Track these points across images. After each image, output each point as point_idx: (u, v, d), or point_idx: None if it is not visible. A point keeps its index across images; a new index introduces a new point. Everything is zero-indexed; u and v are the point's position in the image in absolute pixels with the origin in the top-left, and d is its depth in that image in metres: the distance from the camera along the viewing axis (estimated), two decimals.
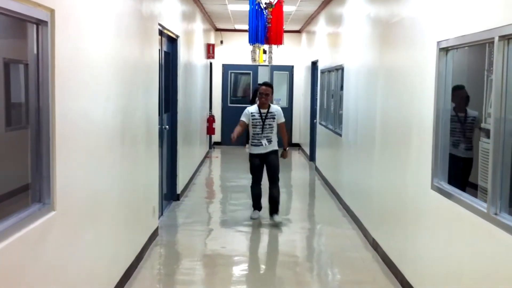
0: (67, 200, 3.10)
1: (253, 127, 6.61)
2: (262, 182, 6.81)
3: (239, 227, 6.56)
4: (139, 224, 5.24)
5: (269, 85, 6.81)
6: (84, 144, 3.44)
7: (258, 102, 6.63)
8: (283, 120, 6.72)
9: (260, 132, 6.57)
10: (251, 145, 6.65)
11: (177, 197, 7.73)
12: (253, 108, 6.69)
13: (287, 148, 6.98)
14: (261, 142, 6.58)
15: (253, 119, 6.59)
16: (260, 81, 15.29)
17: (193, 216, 7.18)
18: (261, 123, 6.55)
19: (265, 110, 6.63)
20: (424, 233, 4.15)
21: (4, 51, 2.96)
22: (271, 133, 6.63)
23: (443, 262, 3.78)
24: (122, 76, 4.40)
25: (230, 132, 6.52)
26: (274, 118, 6.62)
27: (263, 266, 5.23)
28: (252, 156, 6.70)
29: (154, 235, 5.79)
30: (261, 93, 6.61)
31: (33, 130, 2.83)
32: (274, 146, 6.66)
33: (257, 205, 6.88)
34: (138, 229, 5.18)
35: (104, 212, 3.98)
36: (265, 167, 6.66)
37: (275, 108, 6.73)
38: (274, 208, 6.60)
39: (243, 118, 6.63)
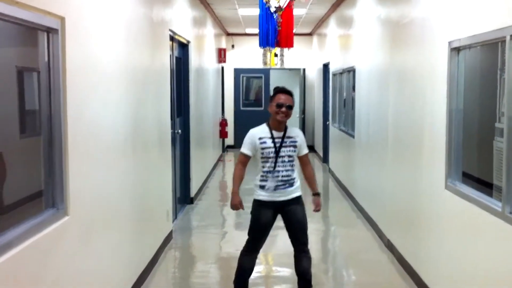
0: (80, 205, 3.12)
1: (262, 160, 4.12)
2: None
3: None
4: (153, 228, 5.26)
5: (290, 93, 4.22)
6: (96, 149, 3.46)
7: (270, 121, 4.19)
8: (306, 151, 4.27)
9: (273, 167, 4.10)
10: (259, 188, 4.16)
11: (190, 201, 7.76)
12: (260, 131, 4.14)
13: (319, 192, 4.41)
14: (275, 185, 4.11)
15: (262, 148, 4.08)
16: (272, 84, 15.34)
17: (207, 219, 7.19)
18: (275, 154, 4.08)
19: (281, 134, 4.14)
20: (439, 234, 4.12)
21: (17, 59, 3.00)
22: (291, 170, 4.15)
23: (459, 262, 3.75)
24: (133, 82, 4.42)
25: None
26: (295, 147, 4.15)
27: (278, 268, 5.22)
28: (258, 205, 4.17)
29: (168, 238, 5.81)
30: (280, 105, 4.10)
31: (45, 137, 2.86)
32: (297, 190, 4.21)
33: (242, 281, 4.31)
34: (152, 233, 5.20)
35: (118, 216, 4.00)
36: (285, 224, 4.27)
37: (296, 131, 4.25)
38: (307, 286, 4.29)
39: (245, 150, 4.12)
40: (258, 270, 5.13)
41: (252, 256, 4.25)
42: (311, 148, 14.23)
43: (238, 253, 4.28)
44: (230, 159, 13.08)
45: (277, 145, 4.08)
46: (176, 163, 6.83)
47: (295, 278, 4.88)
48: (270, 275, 5.19)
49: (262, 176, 4.13)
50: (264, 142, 4.07)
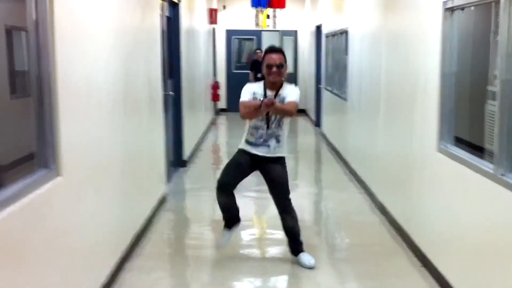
0: (72, 165, 3.11)
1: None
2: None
3: (246, 192, 6.58)
4: (147, 190, 5.28)
5: (280, 51, 4.20)
6: (87, 109, 3.43)
7: (266, 78, 4.20)
8: (291, 99, 4.11)
9: (263, 125, 4.13)
10: (245, 141, 4.23)
11: (184, 164, 7.76)
12: (256, 87, 4.21)
13: (275, 103, 3.96)
14: (261, 142, 4.16)
15: None
16: (264, 47, 15.20)
17: (200, 182, 7.21)
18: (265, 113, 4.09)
19: (273, 93, 4.14)
20: (431, 196, 4.15)
21: (5, 18, 2.94)
22: (280, 129, 4.17)
23: (450, 223, 3.79)
24: (123, 40, 4.36)
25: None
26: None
27: (271, 231, 5.26)
28: (240, 151, 4.28)
29: (162, 201, 5.84)
30: (270, 65, 4.10)
31: (36, 97, 2.82)
32: (281, 150, 4.23)
33: (230, 218, 4.38)
34: (146, 195, 5.21)
35: (110, 178, 3.99)
36: (266, 181, 4.31)
37: (288, 88, 4.17)
38: (295, 244, 4.40)
39: (245, 98, 4.11)
40: (252, 233, 5.18)
41: (225, 194, 4.24)
42: (303, 111, 14.20)
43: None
44: (223, 122, 13.06)
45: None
46: (168, 125, 6.80)
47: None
48: (264, 237, 5.24)
49: (249, 130, 4.20)
50: (256, 98, 4.07)
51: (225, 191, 4.25)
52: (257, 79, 13.06)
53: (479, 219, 3.34)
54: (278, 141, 4.17)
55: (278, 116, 4.12)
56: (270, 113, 4.05)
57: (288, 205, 4.30)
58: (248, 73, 12.96)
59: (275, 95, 4.09)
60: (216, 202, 4.33)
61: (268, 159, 4.19)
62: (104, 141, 3.80)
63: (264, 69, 4.13)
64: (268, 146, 4.16)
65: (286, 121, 4.19)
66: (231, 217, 4.38)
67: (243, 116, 4.11)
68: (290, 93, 4.13)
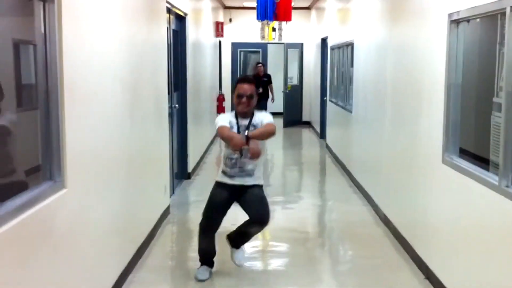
0: (78, 178, 3.12)
1: (225, 145, 4.12)
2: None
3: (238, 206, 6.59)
4: (151, 202, 5.28)
5: (252, 81, 4.19)
6: (93, 122, 3.45)
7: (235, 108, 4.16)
8: (269, 120, 4.09)
9: (237, 155, 4.06)
10: (221, 171, 4.20)
11: (188, 176, 7.77)
12: (229, 116, 4.15)
13: (251, 135, 3.95)
14: (236, 171, 4.12)
15: None
16: (270, 59, 15.20)
17: (204, 194, 7.10)
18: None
19: (247, 121, 4.10)
20: (436, 208, 4.14)
21: (13, 32, 2.96)
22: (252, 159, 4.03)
23: (455, 236, 3.78)
24: (130, 54, 4.39)
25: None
26: None
27: (274, 243, 5.25)
28: (216, 186, 4.25)
29: (165, 213, 5.83)
30: (240, 95, 4.07)
31: (42, 110, 2.84)
32: (257, 180, 4.17)
33: (206, 260, 4.37)
34: (149, 207, 5.22)
35: (115, 190, 4.00)
36: (244, 206, 4.21)
37: (260, 117, 4.12)
38: (239, 239, 4.37)
39: (222, 123, 4.02)
40: (255, 245, 5.16)
41: (209, 235, 4.28)
42: (308, 123, 14.21)
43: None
44: None
45: (242, 132, 4.02)
46: (173, 138, 6.82)
47: (292, 252, 4.93)
48: (266, 249, 5.22)
49: (224, 160, 4.18)
50: (232, 127, 4.05)
51: (208, 235, 4.29)
52: (258, 95, 13.08)
53: (484, 232, 3.33)
54: (252, 169, 4.12)
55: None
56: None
57: (264, 221, 4.14)
58: (267, 85, 13.04)
59: (248, 124, 4.08)
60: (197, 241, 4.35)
61: (244, 187, 4.14)
62: (110, 154, 3.82)
63: (234, 99, 4.12)
64: (243, 175, 4.12)
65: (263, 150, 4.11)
66: (207, 260, 4.37)
67: (223, 138, 4.03)
68: (264, 118, 4.11)
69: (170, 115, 6.41)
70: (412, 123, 4.75)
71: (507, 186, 3.02)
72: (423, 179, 4.44)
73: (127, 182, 4.33)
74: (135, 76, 4.55)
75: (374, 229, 5.59)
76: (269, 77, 13.37)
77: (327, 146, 10.65)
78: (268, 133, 4.03)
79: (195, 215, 6.27)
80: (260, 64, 13.22)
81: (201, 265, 4.36)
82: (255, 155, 3.92)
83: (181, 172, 7.55)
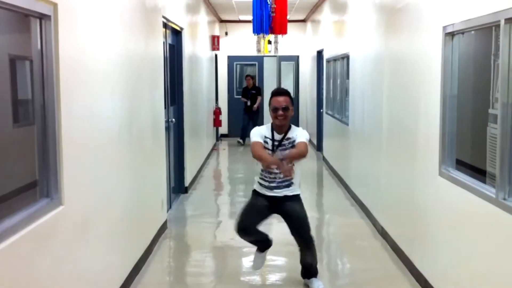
0: (75, 194, 3.11)
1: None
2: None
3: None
4: (148, 217, 5.26)
5: (286, 93, 4.17)
6: (91, 138, 3.44)
7: (272, 121, 4.17)
8: (301, 140, 4.06)
9: (275, 169, 4.05)
10: (258, 183, 4.24)
11: (185, 190, 7.75)
12: (265, 129, 4.15)
13: (288, 160, 3.96)
14: (274, 185, 4.14)
15: (264, 147, 4.06)
16: (266, 72, 15.24)
17: (202, 208, 7.19)
18: (272, 155, 4.05)
19: (281, 136, 4.11)
20: (433, 220, 4.14)
21: (9, 47, 2.97)
22: (292, 171, 4.02)
23: (453, 248, 3.77)
24: (127, 69, 4.40)
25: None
26: (293, 147, 4.06)
27: (272, 257, 5.22)
28: (255, 194, 4.26)
29: (163, 228, 5.81)
30: (276, 108, 4.06)
31: (39, 126, 2.84)
32: (295, 190, 4.22)
33: (260, 245, 4.41)
34: (147, 222, 5.20)
35: (113, 205, 3.99)
36: (286, 221, 4.27)
37: (296, 131, 4.12)
38: (309, 272, 4.40)
39: (256, 139, 4.06)
40: (252, 260, 5.13)
41: (248, 234, 4.26)
42: None
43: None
44: (224, 148, 13.07)
45: (275, 147, 4.07)
46: (170, 152, 6.81)
47: (291, 267, 4.91)
48: (265, 264, 5.19)
49: (260, 174, 4.17)
50: (266, 142, 4.08)
51: (246, 233, 4.26)
52: (247, 107, 13.10)
53: (481, 244, 3.32)
54: (291, 182, 4.14)
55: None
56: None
57: (310, 241, 4.24)
58: (256, 97, 13.14)
59: (283, 138, 4.08)
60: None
61: (284, 198, 4.15)
62: (106, 170, 3.81)
63: (271, 112, 4.11)
64: (281, 187, 4.13)
65: (298, 161, 4.13)
66: (262, 244, 4.37)
67: (255, 157, 4.05)
68: (299, 135, 4.08)
69: (167, 129, 6.41)
70: (408, 135, 4.76)
71: (504, 199, 3.02)
72: (420, 192, 4.44)
73: (124, 197, 4.32)
74: (132, 91, 4.55)
75: (372, 242, 5.58)
76: (258, 89, 13.39)
77: (324, 159, 10.65)
78: (300, 156, 4.01)
79: (193, 230, 6.27)
80: (248, 77, 13.26)
81: (257, 250, 4.38)
82: (287, 173, 3.93)
83: (178, 186, 7.53)
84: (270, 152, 4.04)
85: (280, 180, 4.11)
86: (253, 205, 4.23)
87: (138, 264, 4.64)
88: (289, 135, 4.09)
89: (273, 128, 4.12)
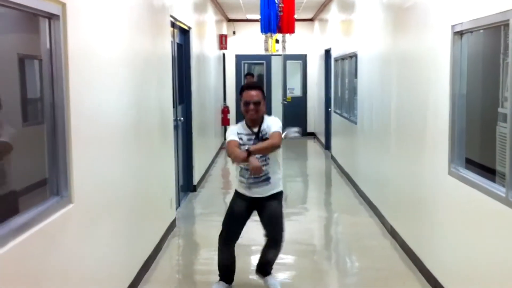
0: (84, 192, 3.13)
1: None
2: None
3: (256, 217, 6.53)
4: (157, 216, 5.28)
5: (258, 87, 4.13)
6: (99, 137, 3.46)
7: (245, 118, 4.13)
8: (276, 128, 3.99)
9: (247, 168, 3.99)
10: (238, 181, 4.19)
11: (193, 188, 7.77)
12: (239, 127, 4.13)
13: (252, 150, 3.88)
14: (252, 182, 4.08)
15: (240, 144, 4.00)
16: (274, 71, 15.23)
17: (210, 206, 7.20)
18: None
19: (256, 129, 4.06)
20: (443, 219, 4.12)
21: (18, 47, 2.99)
22: (266, 164, 4.02)
23: (462, 247, 3.76)
24: (135, 68, 4.41)
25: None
26: (268, 139, 3.99)
27: (281, 255, 5.22)
28: (236, 195, 4.24)
29: (171, 226, 5.83)
30: (247, 102, 4.02)
31: (48, 125, 2.86)
32: (275, 186, 4.13)
33: (225, 275, 4.32)
34: (155, 221, 5.21)
35: (122, 204, 4.00)
36: (260, 218, 4.23)
37: (269, 122, 4.07)
38: (265, 268, 4.35)
39: (232, 137, 4.03)
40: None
41: (228, 248, 4.22)
42: (313, 134, 14.20)
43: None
44: None
45: (253, 140, 4.01)
46: (178, 151, 6.83)
47: (299, 265, 4.91)
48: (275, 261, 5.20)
49: (240, 171, 4.13)
50: (241, 139, 4.03)
51: (227, 247, 4.23)
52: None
53: (491, 243, 3.31)
54: (267, 177, 4.06)
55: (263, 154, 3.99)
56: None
57: (278, 242, 4.20)
58: None
59: (258, 131, 4.03)
60: (217, 254, 4.32)
61: (263, 199, 4.11)
62: (116, 168, 3.83)
63: (242, 106, 4.05)
64: (260, 184, 4.07)
65: (274, 154, 4.05)
66: (226, 275, 4.31)
67: (229, 156, 4.01)
68: (272, 125, 4.02)
69: (175, 128, 6.43)
70: (417, 134, 4.75)
71: None
72: (429, 191, 4.43)
73: (134, 195, 4.33)
74: (141, 89, 4.57)
75: (381, 241, 5.56)
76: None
77: (332, 157, 10.64)
78: (272, 147, 3.95)
79: (201, 228, 6.28)
80: (248, 76, 13.08)
81: (219, 280, 4.29)
82: (255, 170, 3.87)
83: (186, 184, 7.55)
84: (246, 146, 3.92)
85: (256, 176, 4.01)
86: (232, 212, 4.21)
87: (147, 262, 4.66)
88: (263, 127, 4.03)
89: (247, 123, 4.08)
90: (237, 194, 4.22)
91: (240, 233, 4.22)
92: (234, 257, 4.26)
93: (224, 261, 4.27)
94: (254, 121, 4.05)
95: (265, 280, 4.31)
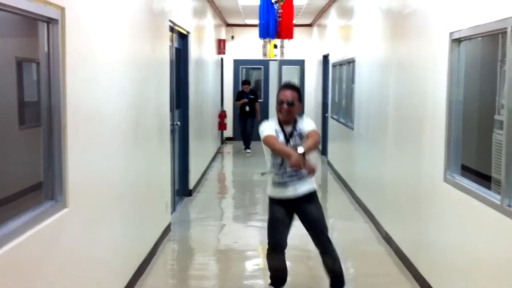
0: (79, 197, 3.12)
1: (273, 156, 3.96)
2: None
3: (251, 222, 6.57)
4: (152, 220, 5.27)
5: (294, 88, 4.06)
6: (96, 141, 3.46)
7: (278, 116, 4.01)
8: (312, 127, 3.98)
9: (281, 161, 3.93)
10: (271, 183, 4.06)
11: (189, 193, 7.76)
12: (274, 123, 4.00)
13: (307, 152, 3.75)
14: (285, 180, 3.98)
15: None
16: (272, 77, 15.21)
17: (206, 211, 7.19)
18: None
19: (290, 129, 3.97)
20: (438, 226, 4.12)
21: (17, 50, 2.99)
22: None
23: (457, 255, 3.76)
24: (133, 73, 4.41)
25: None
26: (301, 138, 3.93)
27: None
28: (271, 202, 4.10)
29: (167, 230, 5.82)
30: (281, 101, 3.94)
31: (45, 128, 2.85)
32: (310, 184, 4.02)
33: (277, 281, 4.15)
34: (151, 225, 5.20)
35: (117, 208, 4.00)
36: (302, 222, 4.09)
37: (304, 122, 4.00)
38: (337, 284, 4.13)
39: (268, 132, 3.88)
40: (256, 263, 5.14)
41: (279, 254, 4.07)
42: None
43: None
44: (229, 151, 13.08)
45: (287, 138, 3.92)
46: (175, 155, 6.82)
47: (295, 271, 4.90)
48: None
49: (272, 171, 4.02)
50: (278, 136, 3.90)
51: (278, 252, 4.07)
52: (244, 113, 12.69)
53: (486, 251, 3.31)
54: (300, 176, 3.94)
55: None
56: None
57: (328, 245, 4.05)
58: (254, 102, 12.88)
59: (292, 131, 3.94)
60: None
61: (300, 198, 3.99)
62: (112, 171, 3.82)
63: (276, 106, 3.99)
64: (295, 181, 3.95)
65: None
66: (279, 279, 4.14)
67: (276, 151, 3.85)
68: (307, 124, 3.96)
69: (172, 132, 6.42)
70: (414, 140, 4.75)
71: (509, 206, 3.01)
72: (425, 197, 4.43)
73: (129, 199, 4.33)
74: (139, 94, 4.57)
75: (376, 247, 5.56)
76: (255, 94, 13.13)
77: (329, 163, 10.64)
78: (317, 144, 3.90)
79: (196, 233, 6.27)
80: (246, 85, 12.88)
81: (271, 284, 4.15)
82: (313, 172, 3.83)
83: (182, 189, 7.54)
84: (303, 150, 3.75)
85: (291, 172, 3.92)
86: (275, 219, 4.06)
87: (141, 267, 4.65)
88: (298, 126, 3.96)
89: (280, 122, 3.99)
90: (271, 201, 4.08)
91: (286, 237, 4.05)
92: (285, 262, 4.10)
93: (276, 266, 4.09)
94: (286, 121, 3.97)
95: None
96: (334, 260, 4.05)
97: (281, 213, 4.02)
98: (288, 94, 3.94)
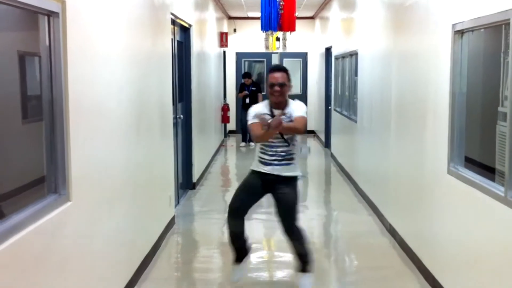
0: (83, 190, 3.12)
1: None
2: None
3: (255, 214, 6.55)
4: (156, 213, 5.28)
5: (283, 69, 4.14)
6: (98, 134, 3.46)
7: (269, 98, 4.13)
8: (301, 113, 4.01)
9: (272, 145, 4.05)
10: (257, 161, 4.13)
11: (193, 186, 7.77)
12: (262, 107, 4.13)
13: (281, 118, 3.84)
14: (273, 159, 4.05)
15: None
16: None
17: (209, 204, 7.20)
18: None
19: (281, 111, 4.03)
20: (441, 218, 4.12)
21: (18, 44, 2.98)
22: (294, 146, 4.06)
23: (461, 247, 3.76)
24: (135, 65, 4.41)
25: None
26: (291, 121, 3.97)
27: (280, 253, 5.23)
28: (251, 172, 4.19)
29: (170, 223, 5.83)
30: (272, 84, 4.02)
31: (47, 122, 2.85)
32: (294, 169, 4.09)
33: (238, 253, 4.25)
34: (154, 218, 5.21)
35: (120, 201, 4.00)
36: (275, 203, 4.14)
37: (294, 105, 4.08)
38: (301, 262, 4.19)
39: (253, 119, 4.00)
40: (260, 256, 5.15)
41: (238, 217, 4.13)
42: (312, 132, 14.20)
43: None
44: (232, 144, 13.08)
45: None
46: (178, 148, 6.82)
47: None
48: (272, 260, 5.21)
49: (260, 150, 4.09)
50: (264, 118, 3.92)
51: (236, 217, 4.13)
52: (245, 105, 12.69)
53: (490, 243, 3.31)
54: (291, 158, 4.05)
55: (285, 135, 4.01)
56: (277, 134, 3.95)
57: (295, 231, 4.11)
58: (256, 94, 12.82)
59: (281, 114, 3.96)
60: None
61: (280, 179, 4.04)
62: (115, 165, 3.82)
63: (268, 88, 4.08)
64: (282, 163, 4.04)
65: (298, 137, 4.10)
66: (239, 247, 4.21)
67: (256, 140, 4.06)
68: (297, 109, 4.02)
69: (175, 125, 6.42)
70: (417, 132, 4.74)
71: None
72: (428, 189, 4.43)
73: (132, 193, 4.33)
74: (141, 87, 4.56)
75: (380, 239, 5.57)
76: (258, 86, 13.11)
77: (332, 155, 10.64)
78: (293, 129, 3.95)
79: (200, 226, 6.28)
80: (246, 78, 12.84)
81: (234, 261, 4.24)
82: (278, 125, 3.79)
83: (186, 182, 7.55)
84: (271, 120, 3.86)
85: (282, 155, 4.03)
86: (246, 185, 4.17)
87: (145, 260, 4.66)
88: (288, 109, 4.02)
89: (270, 105, 4.08)
90: (252, 171, 4.16)
91: (249, 207, 4.13)
92: (243, 229, 4.14)
93: (234, 231, 4.15)
94: (278, 104, 4.05)
95: (298, 277, 4.23)
96: (301, 245, 4.12)
97: (255, 182, 4.11)
98: (278, 76, 4.03)
